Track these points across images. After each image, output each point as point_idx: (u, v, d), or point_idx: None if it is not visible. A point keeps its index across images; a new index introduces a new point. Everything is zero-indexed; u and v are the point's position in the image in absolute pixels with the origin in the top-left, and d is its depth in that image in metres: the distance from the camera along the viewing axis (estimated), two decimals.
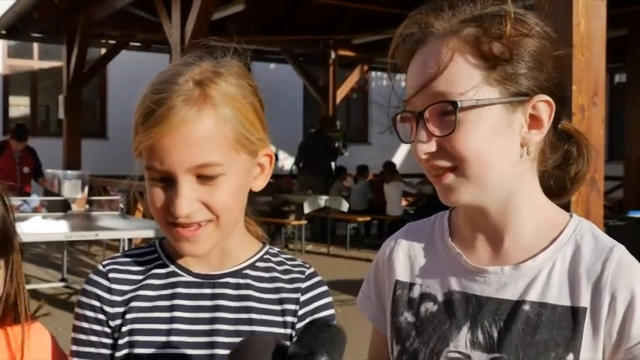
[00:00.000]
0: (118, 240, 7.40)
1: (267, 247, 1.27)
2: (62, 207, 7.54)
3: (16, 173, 9.26)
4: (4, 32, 11.67)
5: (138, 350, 1.15)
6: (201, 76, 1.11)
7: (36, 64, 14.25)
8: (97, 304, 1.18)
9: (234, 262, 1.21)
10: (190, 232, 1.11)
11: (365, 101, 17.40)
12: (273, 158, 1.20)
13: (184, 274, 1.20)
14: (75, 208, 7.75)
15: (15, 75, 14.04)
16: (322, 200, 10.93)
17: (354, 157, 14.06)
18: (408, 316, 1.18)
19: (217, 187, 1.10)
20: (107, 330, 1.18)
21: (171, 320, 1.17)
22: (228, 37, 1.21)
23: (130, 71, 13.09)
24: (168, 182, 1.10)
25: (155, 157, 1.09)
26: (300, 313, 1.20)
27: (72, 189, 8.15)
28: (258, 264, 1.23)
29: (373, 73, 16.81)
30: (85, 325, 1.18)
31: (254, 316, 1.18)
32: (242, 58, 1.19)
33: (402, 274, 1.22)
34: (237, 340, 1.11)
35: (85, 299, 1.20)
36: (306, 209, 10.71)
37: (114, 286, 1.19)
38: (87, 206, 8.03)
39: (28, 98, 14.37)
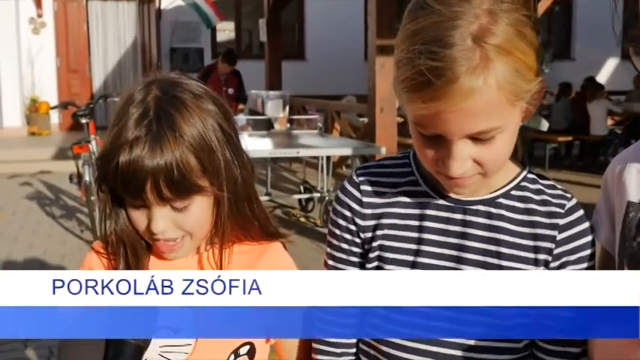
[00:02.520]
0: (317, 157, 7.72)
1: (526, 171, 1.17)
2: (266, 126, 7.93)
3: (222, 94, 9.84)
4: None
5: (387, 266, 1.16)
6: (479, 26, 0.96)
7: None
8: (348, 214, 1.20)
9: (489, 189, 1.14)
10: (459, 181, 1.07)
11: (568, 14, 16.29)
12: (545, 88, 1.05)
13: (436, 197, 1.16)
14: (277, 126, 8.11)
15: (221, 1, 14.79)
16: None
17: (556, 73, 13.34)
18: None
19: (492, 145, 1.02)
20: (357, 240, 1.19)
21: (420, 241, 1.15)
22: None
23: None
24: (440, 139, 1.03)
25: (428, 123, 1.01)
26: (555, 252, 1.11)
27: (274, 108, 8.50)
28: (514, 192, 1.15)
29: None
30: (337, 232, 1.21)
31: (503, 249, 1.12)
32: None
33: (635, 194, 1.11)
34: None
35: (338, 207, 1.22)
36: None
37: (365, 198, 1.19)
38: (288, 125, 8.37)
39: (232, 23, 15.12)
